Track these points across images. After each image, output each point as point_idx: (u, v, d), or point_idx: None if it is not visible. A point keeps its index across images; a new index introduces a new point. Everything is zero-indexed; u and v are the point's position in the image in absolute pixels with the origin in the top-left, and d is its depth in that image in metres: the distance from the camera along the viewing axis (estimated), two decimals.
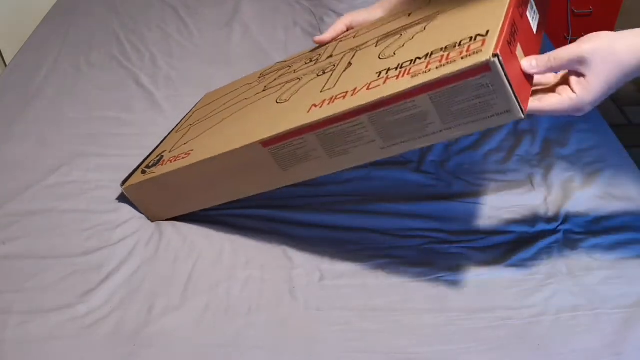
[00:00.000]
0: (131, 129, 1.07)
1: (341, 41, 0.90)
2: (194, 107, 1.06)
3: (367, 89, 0.65)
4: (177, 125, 1.02)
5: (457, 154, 0.98)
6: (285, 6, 1.48)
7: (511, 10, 0.62)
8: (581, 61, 0.61)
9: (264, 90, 0.88)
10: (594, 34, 0.62)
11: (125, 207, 0.90)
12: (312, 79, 0.79)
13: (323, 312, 0.74)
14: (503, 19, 0.61)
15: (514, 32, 0.61)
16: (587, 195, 0.88)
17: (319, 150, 0.70)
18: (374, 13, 0.93)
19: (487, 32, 0.60)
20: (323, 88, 0.73)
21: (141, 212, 0.89)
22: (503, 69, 0.56)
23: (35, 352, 0.70)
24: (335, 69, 0.78)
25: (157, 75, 1.23)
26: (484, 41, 0.59)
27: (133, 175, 0.89)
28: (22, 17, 1.85)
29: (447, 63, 0.59)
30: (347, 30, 0.94)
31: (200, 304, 0.75)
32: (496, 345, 0.69)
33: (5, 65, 1.67)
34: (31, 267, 0.81)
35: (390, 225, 0.85)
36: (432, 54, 0.63)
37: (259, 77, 0.96)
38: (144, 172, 0.86)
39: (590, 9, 1.97)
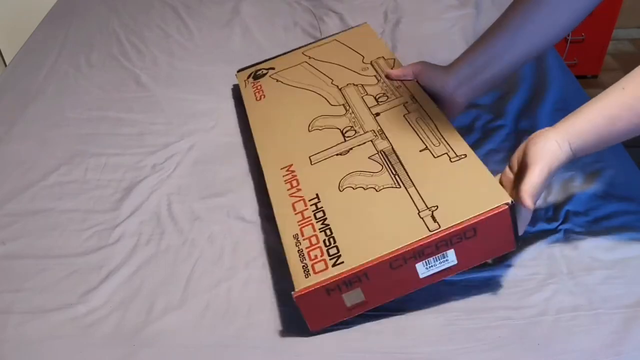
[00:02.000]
0: (131, 129, 1.07)
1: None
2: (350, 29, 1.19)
3: None
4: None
5: None
6: (285, 6, 1.48)
7: (373, 264, 0.67)
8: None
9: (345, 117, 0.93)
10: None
11: (125, 207, 0.90)
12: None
13: None
14: (350, 269, 0.68)
15: (353, 281, 0.68)
16: (587, 195, 0.88)
17: None
18: (444, 77, 0.89)
19: (338, 261, 0.69)
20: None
21: None
22: (302, 305, 0.68)
23: (35, 352, 0.70)
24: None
25: (157, 75, 1.23)
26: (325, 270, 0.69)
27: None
28: (22, 17, 1.85)
29: (314, 260, 0.71)
30: (412, 78, 0.94)
31: (200, 304, 0.75)
32: (496, 345, 0.69)
33: (5, 65, 1.67)
34: (31, 267, 0.81)
35: None
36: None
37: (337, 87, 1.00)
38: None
39: None
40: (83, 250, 0.83)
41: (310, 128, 0.91)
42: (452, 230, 0.68)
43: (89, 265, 0.81)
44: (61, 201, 0.92)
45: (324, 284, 0.67)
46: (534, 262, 0.79)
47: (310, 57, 1.10)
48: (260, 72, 1.10)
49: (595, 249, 0.80)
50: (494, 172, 0.97)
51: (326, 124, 0.91)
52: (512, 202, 0.68)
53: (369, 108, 0.91)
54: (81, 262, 0.81)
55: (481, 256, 0.72)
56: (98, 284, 0.78)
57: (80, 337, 0.72)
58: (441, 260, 0.69)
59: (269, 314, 0.74)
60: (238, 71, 1.14)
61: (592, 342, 0.68)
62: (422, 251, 0.68)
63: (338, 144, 0.86)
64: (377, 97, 0.93)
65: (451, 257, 0.69)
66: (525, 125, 1.03)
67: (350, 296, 0.69)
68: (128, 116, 1.11)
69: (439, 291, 0.75)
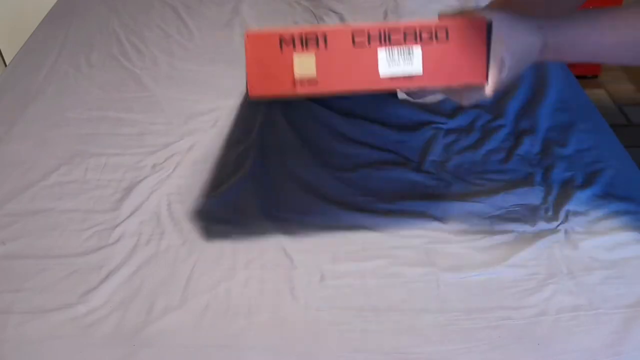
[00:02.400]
0: (131, 128, 1.07)
1: None
2: None
3: None
4: None
5: (458, 154, 0.98)
6: (285, 6, 1.48)
7: (335, 29, 0.64)
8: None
9: None
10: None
11: (125, 206, 0.90)
12: None
13: (323, 312, 0.74)
14: (321, 28, 0.64)
15: (310, 40, 0.64)
16: (587, 195, 0.88)
17: None
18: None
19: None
20: None
21: None
22: (250, 51, 0.63)
23: (35, 352, 0.70)
24: None
25: (158, 75, 1.23)
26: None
27: None
28: (22, 17, 1.85)
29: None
30: None
31: (200, 304, 0.75)
32: (496, 345, 0.69)
33: (5, 65, 1.67)
34: (31, 267, 0.81)
35: (390, 225, 0.85)
36: None
37: None
38: None
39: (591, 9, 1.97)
40: (83, 250, 0.83)
41: None
42: (424, 23, 0.64)
43: (89, 265, 0.81)
44: (61, 201, 0.92)
45: (279, 33, 0.63)
46: (534, 262, 0.79)
47: None
48: None
49: (595, 249, 0.80)
50: (495, 173, 0.97)
51: None
52: (490, 22, 0.65)
53: None
54: (81, 262, 0.81)
55: (448, 74, 0.66)
56: (98, 284, 0.78)
57: (80, 337, 0.72)
58: (405, 58, 0.64)
59: (269, 314, 0.74)
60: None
61: (592, 342, 0.68)
62: (389, 35, 0.64)
63: None
64: None
65: (416, 59, 0.64)
66: (525, 125, 1.03)
67: (302, 62, 0.64)
68: (128, 116, 1.11)
69: (439, 291, 0.75)
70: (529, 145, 0.99)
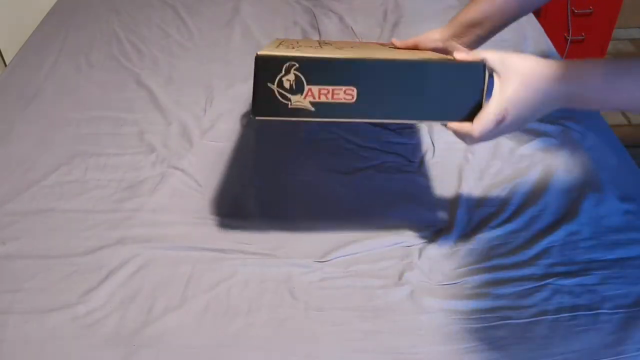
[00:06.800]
0: (131, 128, 1.07)
1: None
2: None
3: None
4: None
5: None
6: (285, 6, 1.48)
7: None
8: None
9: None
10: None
11: (126, 207, 0.90)
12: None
13: (323, 313, 0.74)
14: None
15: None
16: (587, 195, 0.88)
17: None
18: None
19: None
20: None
21: None
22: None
23: (35, 352, 0.70)
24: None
25: (158, 75, 1.22)
26: None
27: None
28: (22, 17, 1.85)
29: None
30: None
31: (200, 304, 0.75)
32: (496, 345, 0.69)
33: (5, 65, 1.67)
34: (31, 267, 0.81)
35: (391, 226, 0.85)
36: None
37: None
38: None
39: (591, 9, 1.97)
40: (83, 250, 0.83)
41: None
42: None
43: (89, 265, 0.81)
44: (61, 201, 0.92)
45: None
46: (534, 262, 0.79)
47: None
48: None
49: (595, 249, 0.80)
50: (495, 173, 0.97)
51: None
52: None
53: None
54: (81, 262, 0.81)
55: None
56: (98, 284, 0.78)
57: (80, 337, 0.72)
58: None
59: (269, 314, 0.74)
60: None
61: (592, 342, 0.68)
62: None
63: None
64: None
65: None
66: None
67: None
68: (128, 116, 1.11)
69: (439, 291, 0.76)
70: (529, 145, 0.99)
